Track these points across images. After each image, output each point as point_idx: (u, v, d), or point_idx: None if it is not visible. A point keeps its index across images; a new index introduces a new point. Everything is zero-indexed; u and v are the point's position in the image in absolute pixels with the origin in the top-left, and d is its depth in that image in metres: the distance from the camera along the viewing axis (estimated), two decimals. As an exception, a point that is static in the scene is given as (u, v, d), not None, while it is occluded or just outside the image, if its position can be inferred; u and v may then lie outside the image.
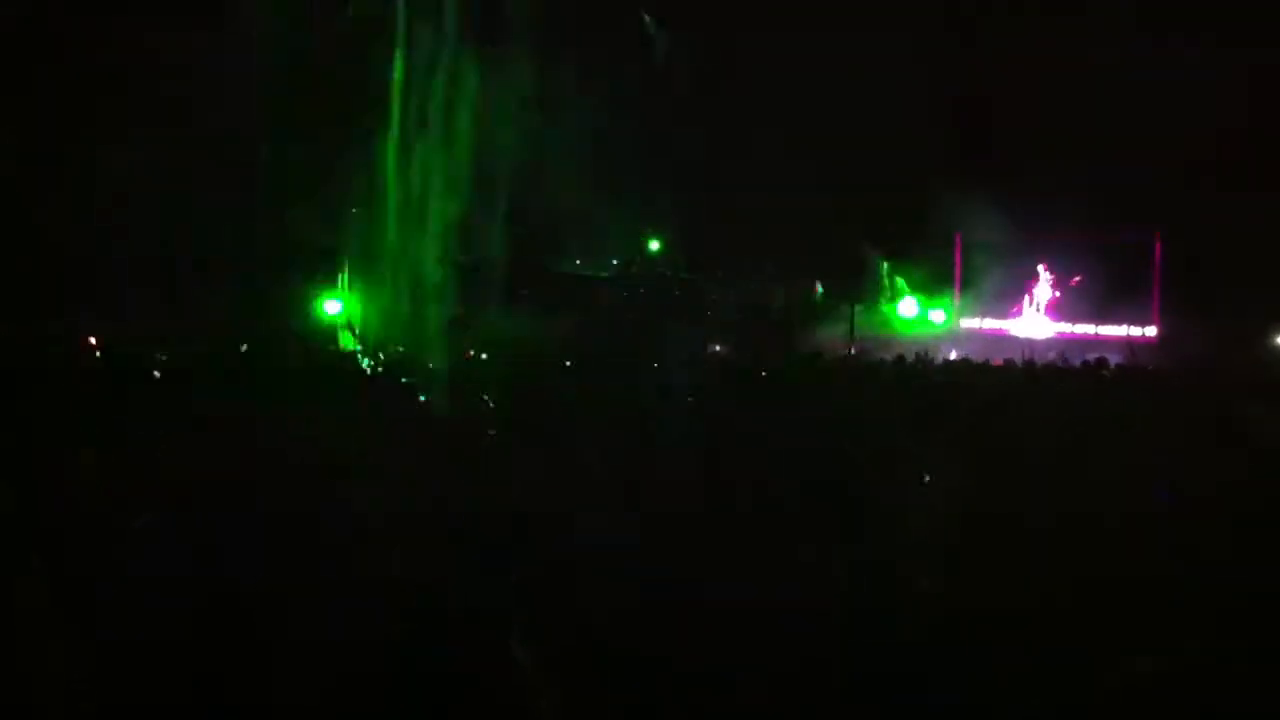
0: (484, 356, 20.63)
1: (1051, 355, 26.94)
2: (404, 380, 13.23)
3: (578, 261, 37.23)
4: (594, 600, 4.39)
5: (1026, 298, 35.62)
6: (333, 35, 25.18)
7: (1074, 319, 34.81)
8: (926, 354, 23.93)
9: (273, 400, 9.11)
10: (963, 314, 36.05)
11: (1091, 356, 25.45)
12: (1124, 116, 26.54)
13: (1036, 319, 35.43)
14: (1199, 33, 24.79)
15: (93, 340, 19.57)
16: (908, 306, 35.79)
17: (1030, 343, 32.77)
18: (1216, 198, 27.33)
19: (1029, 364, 20.32)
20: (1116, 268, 33.45)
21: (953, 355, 27.13)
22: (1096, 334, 33.84)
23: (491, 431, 8.39)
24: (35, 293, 21.26)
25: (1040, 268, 35.36)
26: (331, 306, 32.43)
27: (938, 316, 35.99)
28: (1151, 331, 33.83)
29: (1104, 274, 33.38)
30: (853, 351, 26.91)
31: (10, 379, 10.13)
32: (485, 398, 10.64)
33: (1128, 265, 33.65)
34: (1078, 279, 34.70)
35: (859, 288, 34.36)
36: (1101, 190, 28.48)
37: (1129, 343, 31.25)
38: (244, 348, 17.45)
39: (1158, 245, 33.40)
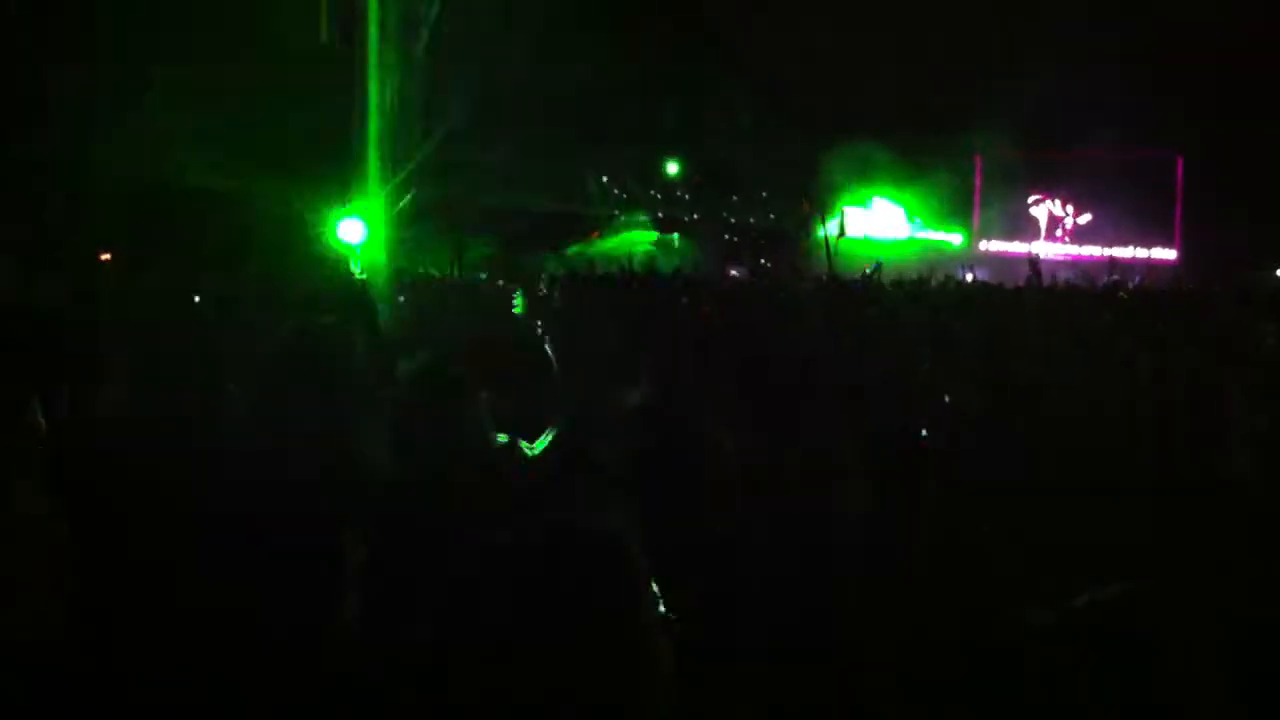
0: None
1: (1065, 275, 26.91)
2: None
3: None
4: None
5: (1044, 220, 35.47)
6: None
7: (1092, 242, 34.69)
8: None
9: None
10: (980, 237, 35.93)
11: (1109, 278, 25.43)
12: (1149, 33, 26.24)
13: (1054, 241, 35.29)
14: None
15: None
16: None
17: (1048, 264, 32.78)
18: (1240, 119, 27.12)
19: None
20: (1137, 190, 33.26)
21: (969, 278, 27.07)
22: (1109, 256, 33.72)
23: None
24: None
25: (1059, 192, 35.19)
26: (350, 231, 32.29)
27: (955, 239, 35.89)
28: (1171, 255, 33.72)
29: (1124, 197, 33.21)
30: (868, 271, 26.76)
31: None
32: None
33: (1148, 187, 33.46)
34: (1089, 217, 34.58)
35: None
36: (1123, 111, 28.26)
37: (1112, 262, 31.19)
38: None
39: (1179, 167, 33.17)
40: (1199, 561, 3.97)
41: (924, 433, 5.17)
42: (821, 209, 24.23)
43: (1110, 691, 3.92)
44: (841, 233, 26.39)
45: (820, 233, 32.20)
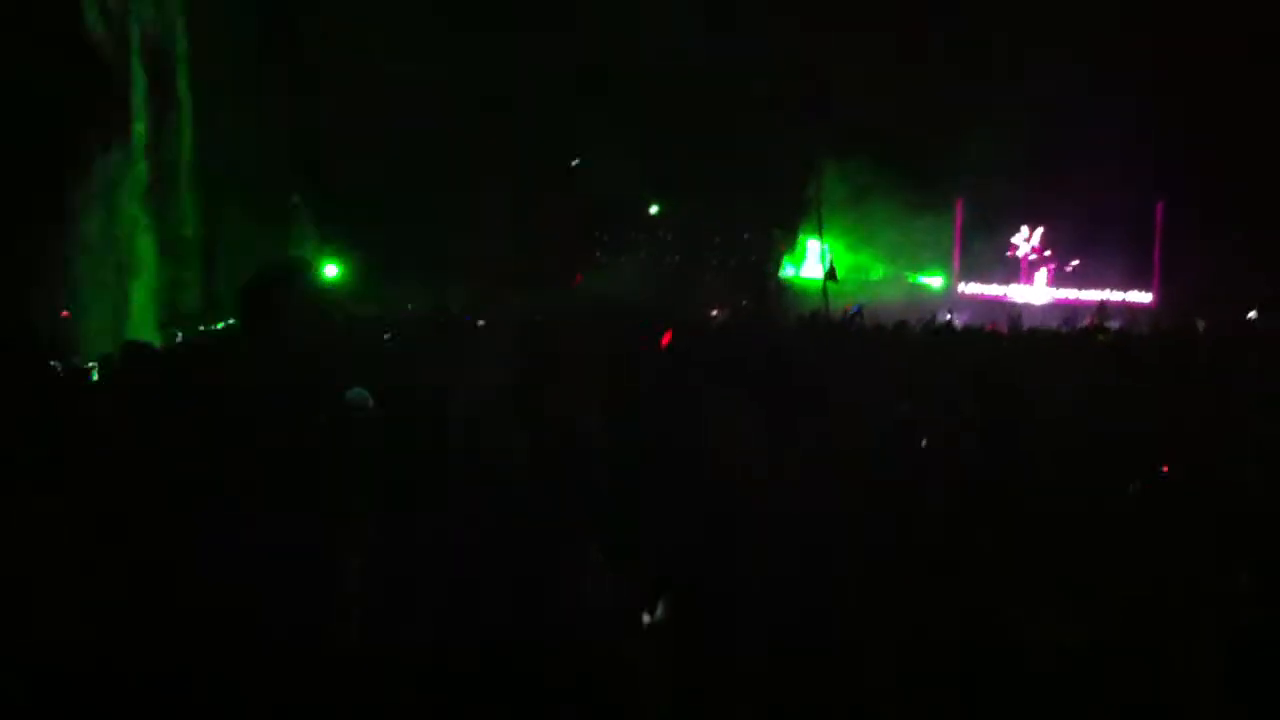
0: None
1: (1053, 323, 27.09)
2: None
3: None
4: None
5: (1024, 263, 35.64)
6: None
7: (1072, 284, 34.89)
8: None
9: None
10: (961, 279, 36.09)
11: (1087, 320, 25.61)
12: (1130, 82, 26.53)
13: (1034, 285, 35.45)
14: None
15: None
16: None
17: (1027, 308, 32.97)
18: (1219, 165, 27.39)
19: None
20: (1117, 234, 33.45)
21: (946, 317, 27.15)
22: (1082, 300, 33.91)
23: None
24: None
25: (1039, 233, 35.37)
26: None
27: (935, 281, 36.05)
28: (1148, 298, 33.95)
29: (1104, 240, 33.38)
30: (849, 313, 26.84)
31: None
32: None
33: (1129, 231, 33.66)
34: (1069, 260, 34.78)
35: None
36: (1104, 155, 28.50)
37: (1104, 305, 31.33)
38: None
39: (1159, 212, 33.45)
40: (1198, 563, 4.01)
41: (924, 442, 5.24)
42: (817, 219, 24.08)
43: (1110, 692, 3.94)
44: (832, 273, 26.27)
45: (797, 269, 32.50)
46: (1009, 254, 35.75)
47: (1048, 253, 35.42)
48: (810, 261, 34.04)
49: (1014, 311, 20.87)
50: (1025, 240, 35.57)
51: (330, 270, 32.22)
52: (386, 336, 17.48)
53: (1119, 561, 4.06)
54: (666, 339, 15.20)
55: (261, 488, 4.44)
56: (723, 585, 4.26)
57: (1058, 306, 33.17)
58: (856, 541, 4.28)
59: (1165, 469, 5.53)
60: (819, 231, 17.45)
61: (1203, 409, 5.26)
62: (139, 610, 4.23)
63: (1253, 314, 28.01)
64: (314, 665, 4.21)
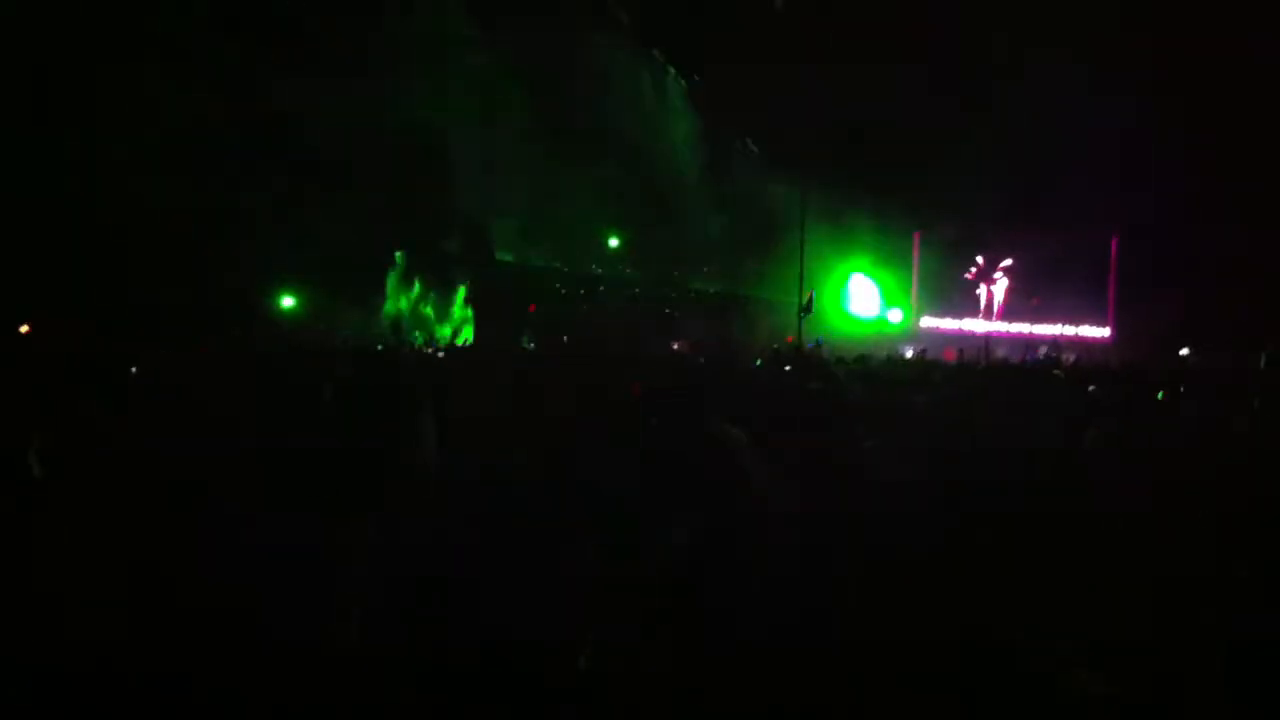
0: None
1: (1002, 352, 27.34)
2: None
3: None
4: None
5: (984, 297, 35.92)
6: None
7: (1028, 319, 35.20)
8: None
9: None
10: (921, 313, 36.32)
11: (1043, 353, 25.87)
12: (1090, 116, 26.88)
13: (994, 319, 35.73)
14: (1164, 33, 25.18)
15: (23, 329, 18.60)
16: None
17: (988, 341, 33.22)
18: (1175, 202, 27.76)
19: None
20: (1073, 269, 33.78)
21: (908, 353, 27.30)
22: (1033, 333, 34.20)
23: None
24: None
25: (999, 269, 35.68)
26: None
27: (895, 316, 36.26)
28: (1105, 332, 34.29)
29: (1061, 276, 33.70)
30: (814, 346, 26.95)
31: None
32: None
33: (1084, 267, 34.01)
34: (1036, 300, 35.07)
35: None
36: (1061, 190, 28.88)
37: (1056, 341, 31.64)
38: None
39: (1114, 247, 33.85)
40: (1198, 563, 4.07)
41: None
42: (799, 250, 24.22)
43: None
44: (808, 309, 26.53)
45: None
46: (966, 287, 36.05)
47: (1005, 286, 35.74)
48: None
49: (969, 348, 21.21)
50: (982, 274, 35.88)
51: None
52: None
53: (1119, 561, 4.11)
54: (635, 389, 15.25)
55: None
56: (723, 585, 4.27)
57: (1014, 340, 33.47)
58: (856, 541, 4.30)
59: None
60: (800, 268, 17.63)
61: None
62: (139, 610, 4.20)
63: (1185, 350, 28.36)
64: (314, 665, 4.19)
